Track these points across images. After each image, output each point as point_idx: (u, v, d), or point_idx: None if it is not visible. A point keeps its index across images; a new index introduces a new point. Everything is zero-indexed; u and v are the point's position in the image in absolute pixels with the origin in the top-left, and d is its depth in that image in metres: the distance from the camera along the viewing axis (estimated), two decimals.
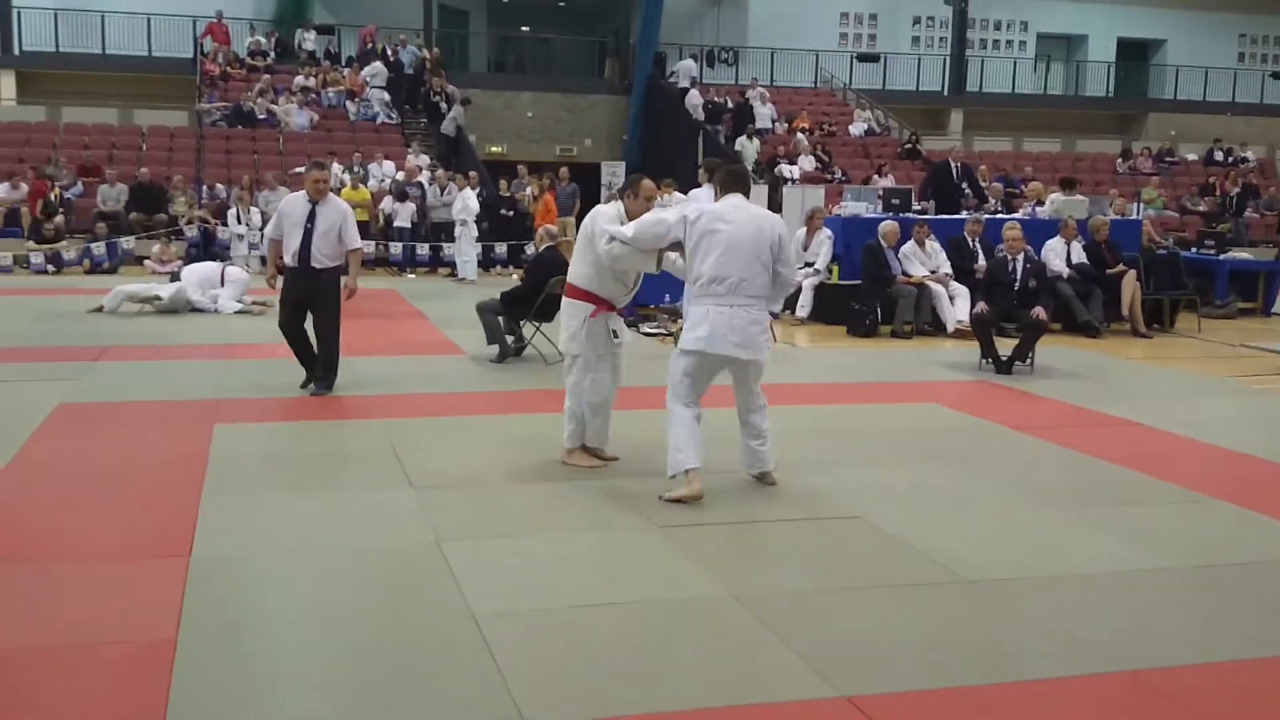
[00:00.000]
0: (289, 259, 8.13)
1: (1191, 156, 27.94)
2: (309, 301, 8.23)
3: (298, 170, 20.56)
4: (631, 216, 5.98)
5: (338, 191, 19.80)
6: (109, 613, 4.15)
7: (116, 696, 3.51)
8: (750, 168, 23.37)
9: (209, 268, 13.45)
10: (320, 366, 8.34)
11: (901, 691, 3.62)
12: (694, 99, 25.89)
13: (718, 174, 6.10)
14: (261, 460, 6.38)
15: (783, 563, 4.85)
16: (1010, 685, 3.71)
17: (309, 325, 8.32)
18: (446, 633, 4.02)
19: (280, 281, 8.40)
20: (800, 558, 4.91)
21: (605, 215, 6.04)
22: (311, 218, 8.08)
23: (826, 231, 13.14)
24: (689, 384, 5.77)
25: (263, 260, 17.20)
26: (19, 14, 25.02)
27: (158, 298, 12.45)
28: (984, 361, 9.85)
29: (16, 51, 25.24)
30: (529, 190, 20.19)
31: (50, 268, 17.35)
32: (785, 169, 23.05)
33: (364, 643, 3.96)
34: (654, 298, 12.47)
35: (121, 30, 25.53)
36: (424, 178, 20.02)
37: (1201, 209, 23.65)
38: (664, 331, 11.59)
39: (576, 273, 6.17)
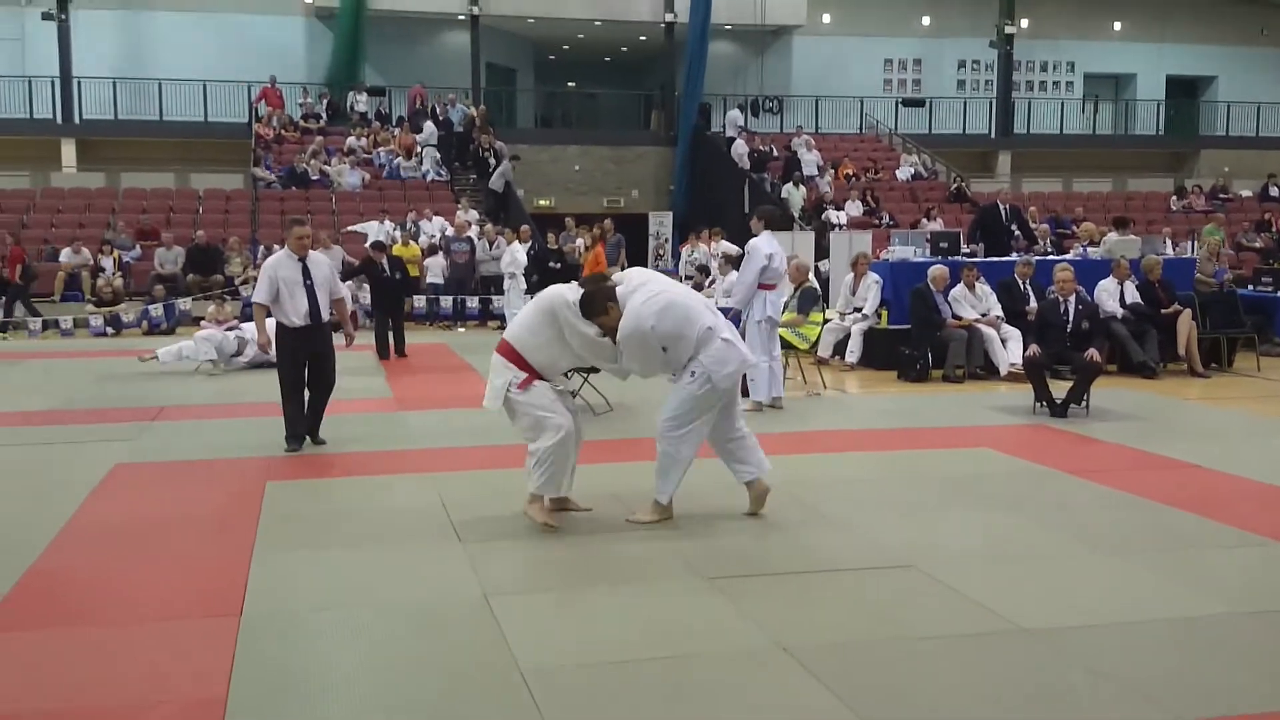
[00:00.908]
0: (296, 319, 8.12)
1: (1246, 193, 27.59)
2: (315, 356, 8.30)
3: (350, 228, 20.92)
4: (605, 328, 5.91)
5: (389, 248, 20.17)
6: (161, 672, 4.18)
7: None
8: (796, 214, 23.41)
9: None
10: (313, 418, 8.42)
11: None
12: (740, 148, 26.04)
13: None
14: (312, 517, 6.42)
15: (833, 613, 4.78)
16: None
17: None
18: (494, 689, 4.00)
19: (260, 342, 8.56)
20: (850, 608, 4.84)
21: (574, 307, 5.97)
22: (307, 274, 8.15)
23: (874, 276, 13.09)
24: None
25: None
26: (79, 84, 25.75)
27: (213, 362, 12.62)
28: (1038, 405, 9.72)
29: (77, 120, 25.96)
30: (579, 242, 20.34)
31: (109, 330, 17.71)
32: (832, 214, 23.05)
33: (414, 700, 3.95)
34: None
35: (178, 97, 26.21)
36: (473, 232, 20.24)
37: (1258, 245, 23.30)
38: None
39: (524, 340, 5.99)
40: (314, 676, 4.14)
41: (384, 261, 14.58)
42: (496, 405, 6.00)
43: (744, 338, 10.11)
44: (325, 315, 8.22)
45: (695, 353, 5.88)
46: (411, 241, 20.13)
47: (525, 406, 5.99)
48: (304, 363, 8.28)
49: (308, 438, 8.41)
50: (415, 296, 18.36)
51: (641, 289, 5.90)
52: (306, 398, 8.38)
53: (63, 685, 4.07)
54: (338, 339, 8.63)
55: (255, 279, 18.30)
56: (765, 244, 9.80)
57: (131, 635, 4.57)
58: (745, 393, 10.09)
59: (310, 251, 8.32)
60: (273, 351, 8.49)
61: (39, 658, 4.33)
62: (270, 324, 8.38)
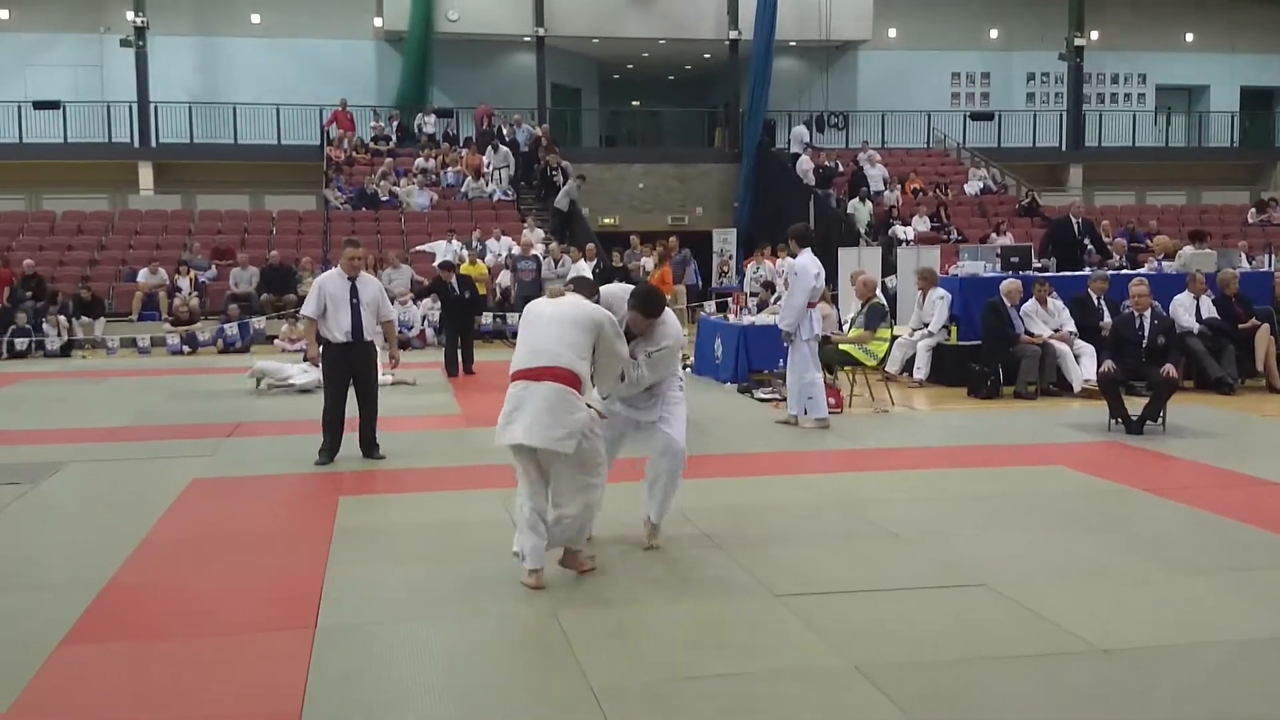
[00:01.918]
0: (339, 335, 8.41)
1: None
2: (356, 374, 8.53)
3: (419, 248, 21.18)
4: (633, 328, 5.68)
5: (458, 267, 20.38)
6: (236, 687, 4.24)
7: None
8: (863, 230, 23.27)
9: None
10: (369, 435, 8.67)
11: None
12: (805, 164, 25.95)
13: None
14: (384, 531, 6.49)
15: (905, 632, 4.73)
16: None
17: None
18: (566, 707, 4.01)
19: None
20: (923, 627, 4.78)
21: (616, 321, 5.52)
22: (354, 293, 8.44)
23: (941, 291, 12.95)
24: None
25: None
26: (156, 109, 26.37)
27: (292, 382, 12.80)
28: (1113, 422, 9.55)
29: (154, 144, 26.58)
30: (643, 261, 20.40)
31: (185, 348, 18.07)
32: (899, 230, 22.87)
33: (486, 715, 3.97)
34: (768, 363, 12.44)
35: (252, 120, 26.74)
36: (539, 251, 20.39)
37: None
38: (779, 397, 11.52)
39: (581, 368, 5.28)
40: (386, 691, 4.17)
41: (453, 281, 14.71)
42: (573, 447, 5.18)
43: (787, 358, 10.11)
44: (368, 334, 8.50)
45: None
46: (479, 260, 20.32)
47: (596, 445, 5.34)
48: (346, 379, 8.50)
49: (364, 452, 8.66)
50: (483, 314, 18.48)
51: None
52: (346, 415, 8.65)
53: (139, 698, 4.14)
54: (382, 358, 8.97)
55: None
56: (811, 263, 9.72)
57: (207, 648, 4.64)
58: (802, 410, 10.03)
59: (362, 273, 8.63)
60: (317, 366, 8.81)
61: (116, 671, 4.42)
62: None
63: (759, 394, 11.86)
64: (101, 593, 5.34)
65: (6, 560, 6.06)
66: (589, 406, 5.26)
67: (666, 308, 5.78)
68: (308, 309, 8.57)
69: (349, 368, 8.52)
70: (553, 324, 5.29)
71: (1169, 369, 9.43)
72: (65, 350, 17.87)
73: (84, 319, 18.68)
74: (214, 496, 7.48)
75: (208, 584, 5.54)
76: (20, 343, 17.63)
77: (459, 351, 14.47)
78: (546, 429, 5.09)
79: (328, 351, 8.51)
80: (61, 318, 18.29)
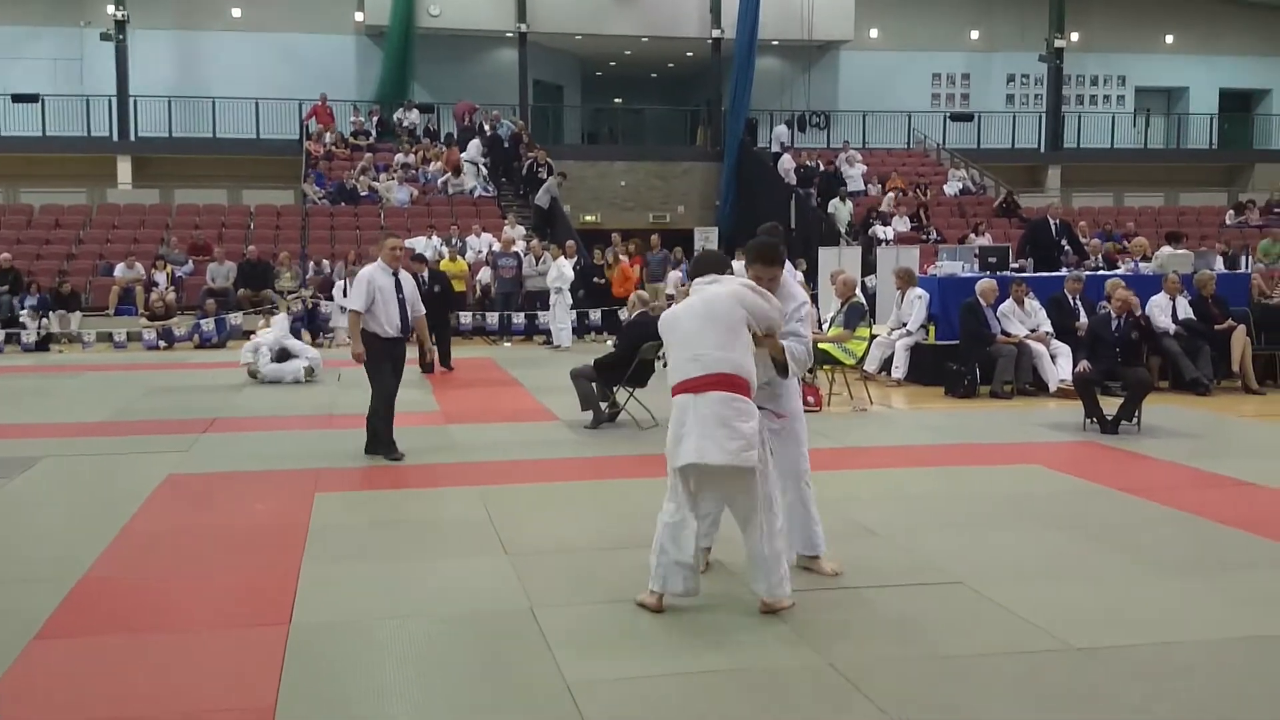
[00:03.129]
0: (388, 329, 8.29)
1: None
2: (396, 368, 8.45)
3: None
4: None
5: (438, 263, 20.32)
6: (210, 681, 4.22)
7: None
8: (843, 230, 23.33)
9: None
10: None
11: None
12: (786, 163, 26.01)
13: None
14: (360, 528, 6.47)
15: (881, 630, 4.74)
16: None
17: None
18: (540, 701, 4.01)
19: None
20: (900, 625, 4.80)
21: (749, 291, 4.86)
22: (399, 287, 8.35)
23: (919, 291, 13.00)
24: None
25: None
26: (135, 103, 26.21)
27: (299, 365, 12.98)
28: (1088, 421, 9.61)
29: (133, 138, 26.42)
30: (609, 255, 20.38)
31: (162, 343, 17.98)
32: (879, 230, 22.94)
33: (459, 711, 3.96)
34: None
35: (231, 115, 26.62)
36: (519, 248, 20.35)
37: None
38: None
39: (741, 365, 4.72)
40: (361, 686, 4.16)
41: (424, 274, 14.19)
42: (754, 457, 4.67)
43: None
44: (409, 328, 8.41)
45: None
46: (459, 257, 20.27)
47: (764, 455, 4.84)
48: (395, 372, 8.43)
49: (384, 452, 8.53)
50: (458, 310, 18.33)
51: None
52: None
53: (113, 693, 4.12)
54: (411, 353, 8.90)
55: (304, 299, 18.66)
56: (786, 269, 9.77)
57: (182, 643, 4.62)
58: None
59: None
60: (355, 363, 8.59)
61: (90, 665, 4.39)
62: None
63: None
64: (76, 588, 5.30)
65: None
66: (763, 409, 4.87)
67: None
68: (356, 303, 8.26)
69: (395, 362, 8.43)
70: (695, 323, 4.75)
71: (1142, 369, 9.45)
72: (42, 344, 17.74)
73: (61, 313, 18.55)
74: (189, 492, 7.44)
75: (182, 580, 5.51)
76: None
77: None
78: (732, 443, 4.60)
79: (373, 346, 8.28)
80: (29, 317, 18.14)
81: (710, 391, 4.62)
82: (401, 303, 8.32)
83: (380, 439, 8.44)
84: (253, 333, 14.71)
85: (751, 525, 4.77)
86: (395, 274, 8.37)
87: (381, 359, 8.34)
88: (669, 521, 4.78)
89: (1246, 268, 15.61)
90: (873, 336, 12.30)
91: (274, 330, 13.39)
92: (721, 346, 4.66)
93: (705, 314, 4.73)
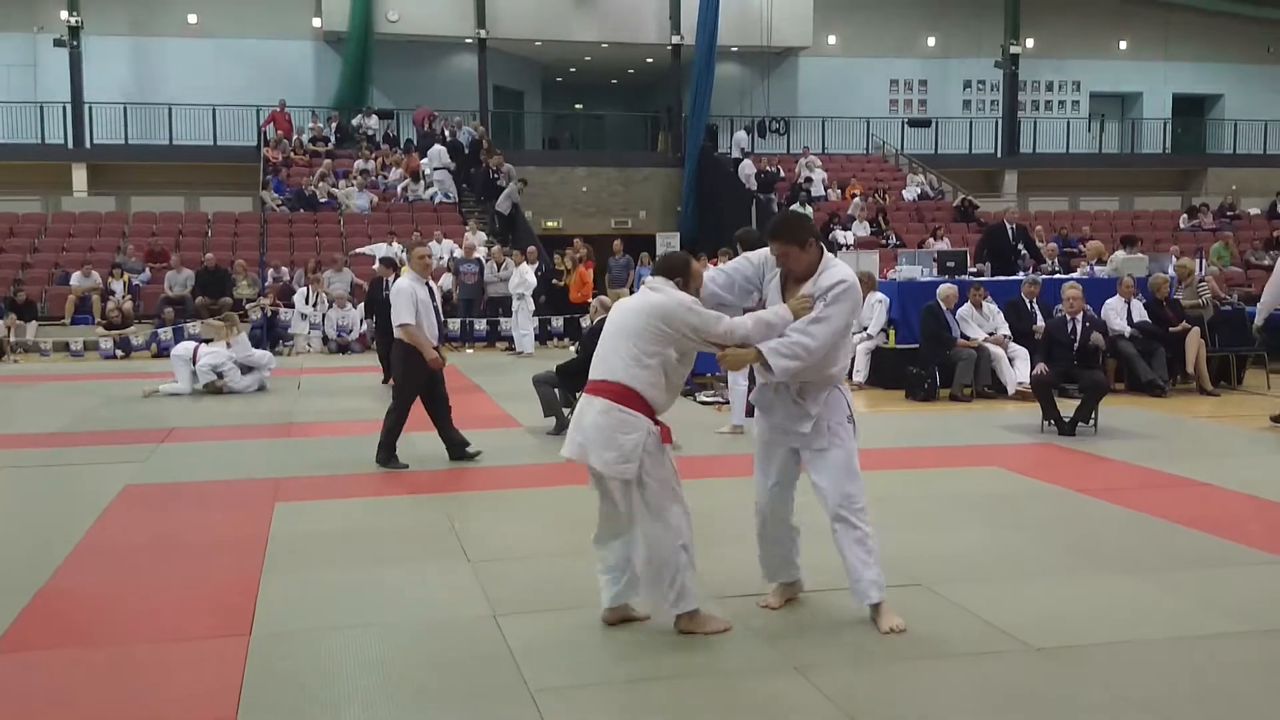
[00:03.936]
0: (432, 339, 8.34)
1: (1254, 211, 27.58)
2: (432, 377, 8.46)
3: (359, 251, 21.00)
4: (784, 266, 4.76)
5: (397, 270, 20.21)
6: (171, 692, 4.18)
7: None
8: None
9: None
10: (457, 436, 8.61)
11: None
12: (746, 169, 26.12)
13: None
14: (321, 537, 6.42)
15: (841, 632, 4.77)
16: None
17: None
18: (503, 709, 4.00)
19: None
20: (859, 626, 4.82)
21: (684, 308, 4.56)
22: (433, 295, 8.45)
23: (879, 295, 13.09)
24: None
25: (324, 339, 17.61)
26: (90, 109, 25.92)
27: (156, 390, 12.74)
28: (1046, 423, 9.71)
29: (88, 145, 26.13)
30: (568, 259, 20.38)
31: (119, 352, 17.78)
32: (839, 235, 23.08)
33: (422, 719, 3.95)
34: (710, 366, 12.47)
35: (187, 121, 26.37)
36: (481, 254, 20.31)
37: (1266, 263, 23.25)
38: (720, 400, 11.57)
39: (636, 376, 4.53)
40: (323, 696, 4.14)
41: (390, 278, 13.64)
42: (632, 471, 4.49)
43: None
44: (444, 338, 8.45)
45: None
46: None
47: (661, 474, 4.54)
48: (425, 384, 8.40)
49: (454, 454, 8.57)
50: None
51: None
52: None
53: (73, 705, 4.07)
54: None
55: (262, 307, 18.47)
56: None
57: (141, 655, 4.57)
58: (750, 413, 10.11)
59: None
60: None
61: (49, 678, 4.34)
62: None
63: (700, 397, 11.90)
64: (33, 600, 5.23)
65: None
66: (657, 425, 4.55)
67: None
68: (407, 316, 8.16)
69: (431, 374, 8.40)
70: (610, 330, 4.69)
71: (1097, 372, 9.56)
72: None
73: (16, 322, 18.29)
74: (148, 503, 7.37)
75: (141, 591, 5.45)
76: None
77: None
78: (608, 453, 4.50)
79: (412, 357, 8.23)
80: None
81: (599, 398, 4.56)
82: (436, 311, 8.41)
83: (386, 448, 8.39)
84: (210, 340, 14.56)
85: (633, 536, 4.63)
86: (429, 283, 8.45)
87: (421, 370, 8.29)
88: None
89: (1200, 271, 15.83)
90: None
91: (237, 349, 13.19)
92: (621, 355, 4.54)
93: (619, 322, 4.66)
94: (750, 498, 5.09)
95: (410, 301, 8.20)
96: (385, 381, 13.06)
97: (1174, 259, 16.53)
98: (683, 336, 4.54)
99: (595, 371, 4.64)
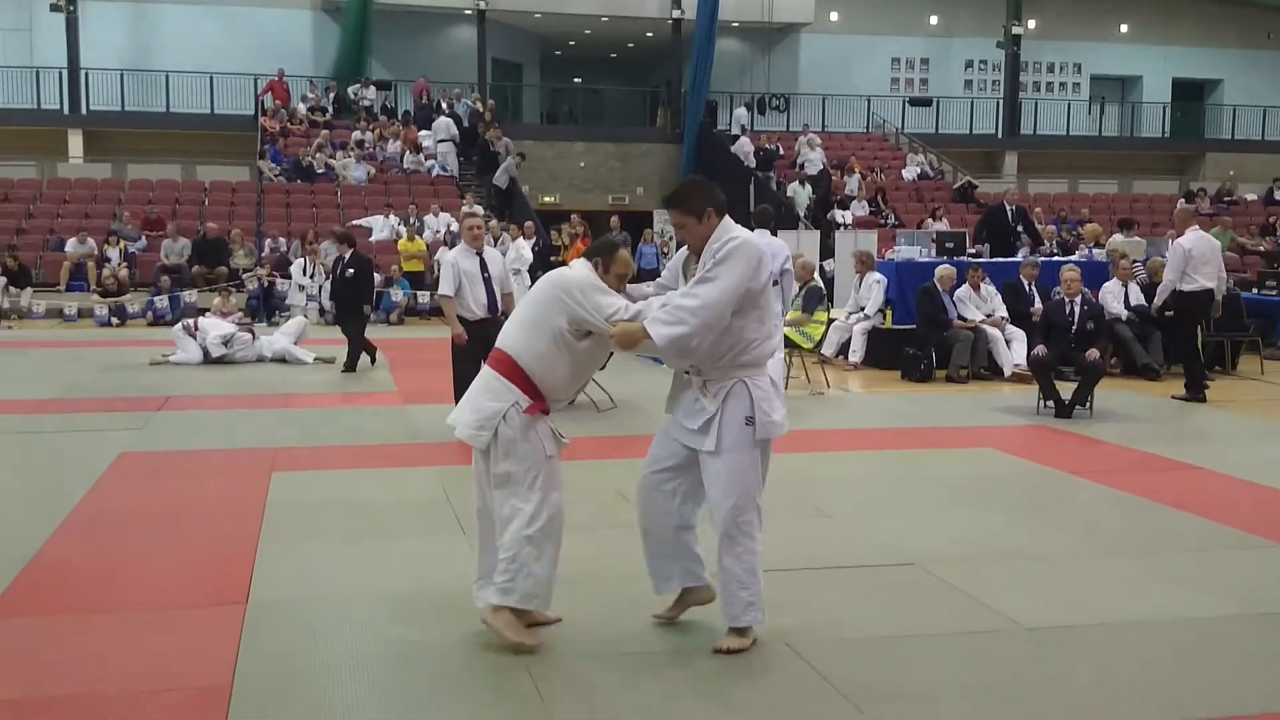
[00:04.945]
0: (478, 310, 8.25)
1: (1251, 196, 27.58)
2: (489, 349, 8.37)
3: (356, 223, 20.94)
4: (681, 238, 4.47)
5: (394, 243, 20.18)
6: (166, 660, 4.20)
7: None
8: (802, 214, 23.40)
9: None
10: None
11: None
12: (744, 146, 26.05)
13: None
14: (317, 508, 6.43)
15: (835, 610, 4.79)
16: None
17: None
18: (497, 679, 4.02)
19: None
20: (853, 605, 4.85)
21: (586, 282, 4.27)
22: (484, 267, 8.33)
23: (877, 275, 13.08)
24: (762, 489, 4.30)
25: (321, 312, 17.59)
26: (86, 75, 25.77)
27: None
28: (1043, 405, 9.73)
29: (84, 111, 25.98)
30: (565, 235, 20.34)
31: (114, 320, 17.74)
32: (838, 214, 23.05)
33: (417, 689, 3.97)
34: None
35: (185, 89, 26.22)
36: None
37: (1262, 249, 23.27)
38: None
39: (526, 346, 4.28)
40: (318, 665, 4.16)
41: (346, 254, 12.45)
42: (482, 440, 4.25)
43: None
44: (499, 308, 8.32)
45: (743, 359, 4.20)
46: (417, 237, 20.15)
47: (523, 453, 4.23)
48: (479, 356, 8.35)
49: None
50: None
51: None
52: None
53: (68, 672, 4.09)
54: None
55: (260, 277, 18.44)
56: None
57: (137, 623, 4.59)
58: None
59: (487, 248, 8.47)
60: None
61: (44, 645, 4.35)
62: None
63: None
64: (26, 567, 5.24)
65: None
66: (537, 404, 4.27)
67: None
68: (447, 288, 8.22)
69: (485, 345, 8.35)
70: (521, 301, 4.54)
71: (1093, 353, 9.62)
72: None
73: (10, 289, 18.24)
74: (143, 471, 7.37)
75: (136, 559, 5.46)
76: None
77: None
78: (467, 414, 4.33)
79: (466, 327, 8.23)
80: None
81: (487, 365, 4.40)
82: (488, 282, 8.29)
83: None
84: (207, 310, 14.54)
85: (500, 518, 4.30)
86: (480, 254, 8.36)
87: (473, 339, 8.23)
88: None
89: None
90: (830, 320, 12.37)
91: (291, 331, 13.30)
92: (518, 322, 4.37)
93: (528, 293, 4.49)
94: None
95: (452, 274, 8.23)
96: (347, 368, 12.18)
97: (1170, 242, 16.51)
98: (577, 306, 4.19)
99: (498, 340, 4.45)
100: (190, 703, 3.82)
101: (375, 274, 18.71)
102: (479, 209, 21.63)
